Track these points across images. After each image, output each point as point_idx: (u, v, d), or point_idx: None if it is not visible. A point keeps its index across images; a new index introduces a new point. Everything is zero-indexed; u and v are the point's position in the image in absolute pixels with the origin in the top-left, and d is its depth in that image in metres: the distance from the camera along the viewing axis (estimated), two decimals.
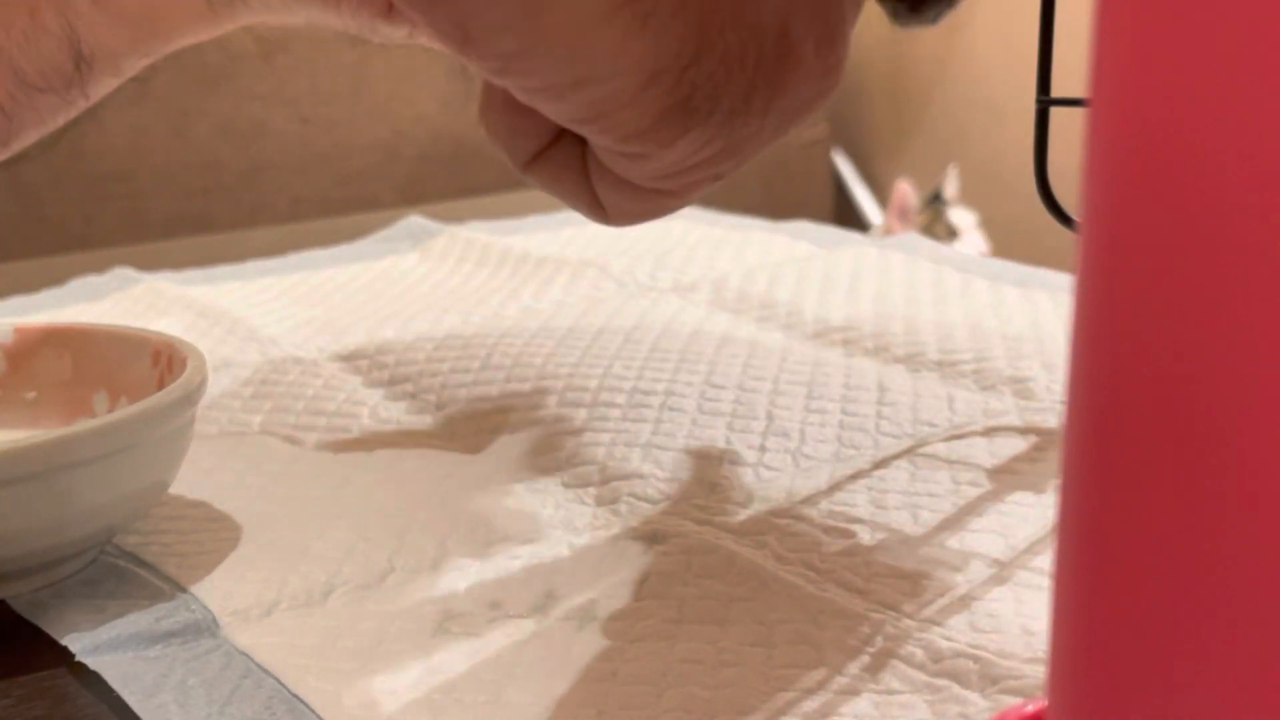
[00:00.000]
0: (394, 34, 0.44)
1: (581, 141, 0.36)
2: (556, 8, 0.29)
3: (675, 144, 0.32)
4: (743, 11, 0.31)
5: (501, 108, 0.35)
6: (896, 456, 0.49)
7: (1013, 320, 0.64)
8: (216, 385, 0.59)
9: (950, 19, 0.46)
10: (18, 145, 0.43)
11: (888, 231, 1.77)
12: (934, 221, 1.80)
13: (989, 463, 0.49)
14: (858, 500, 0.46)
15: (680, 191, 0.35)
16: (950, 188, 1.82)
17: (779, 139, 0.34)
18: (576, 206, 0.37)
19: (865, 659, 0.37)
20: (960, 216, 1.83)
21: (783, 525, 0.44)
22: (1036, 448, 0.50)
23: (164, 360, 0.47)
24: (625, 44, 0.30)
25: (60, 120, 0.43)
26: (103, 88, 0.43)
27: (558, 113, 0.33)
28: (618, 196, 0.36)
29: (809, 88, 0.33)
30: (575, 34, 0.29)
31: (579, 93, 0.31)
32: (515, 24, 0.29)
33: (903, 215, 1.80)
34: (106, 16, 0.42)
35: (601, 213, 0.37)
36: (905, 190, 1.81)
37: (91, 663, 0.38)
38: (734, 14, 0.31)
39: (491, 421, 0.54)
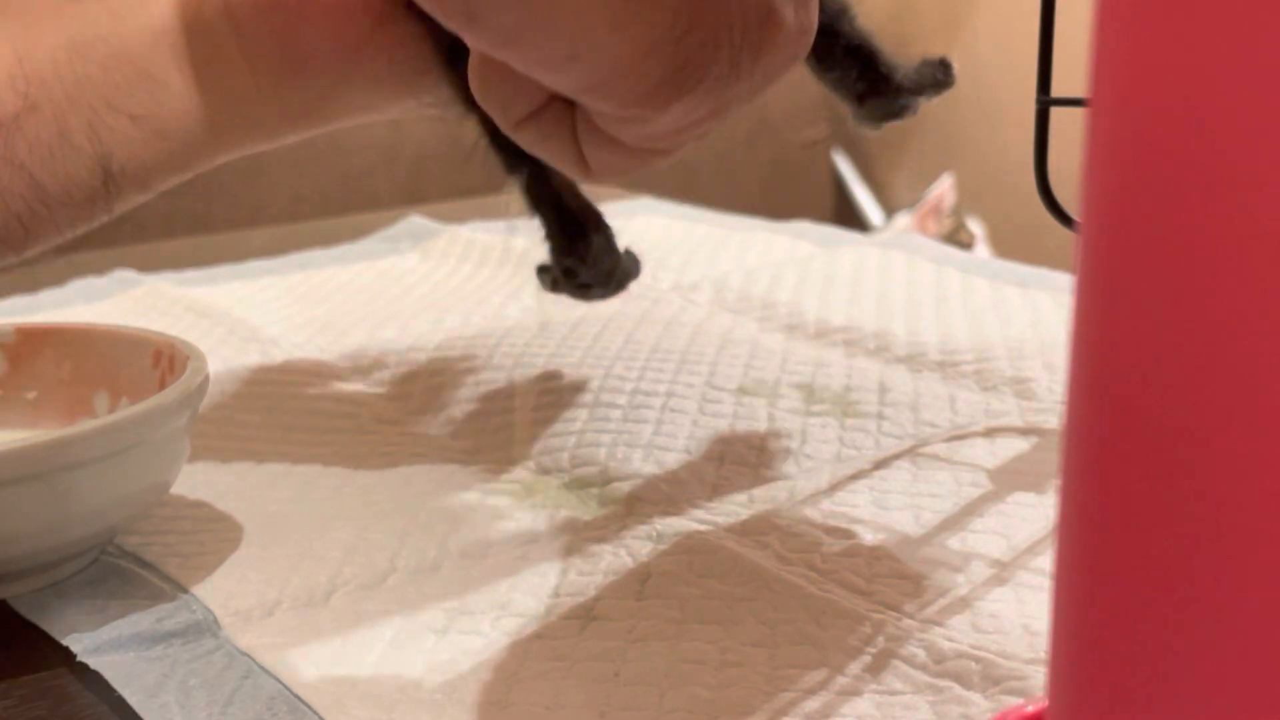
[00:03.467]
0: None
1: (571, 104, 0.37)
2: None
3: (670, 108, 0.34)
4: None
5: (497, 72, 0.36)
6: (898, 456, 0.49)
7: (1014, 321, 0.64)
8: (217, 386, 0.59)
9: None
10: (33, 251, 0.42)
11: (921, 228, 1.75)
12: (958, 229, 1.79)
13: (990, 463, 0.49)
14: (859, 501, 0.46)
15: (668, 150, 0.37)
16: (949, 197, 1.81)
17: (758, 97, 0.36)
18: (561, 164, 0.39)
19: (867, 659, 0.37)
20: (973, 226, 1.82)
21: (784, 525, 0.44)
22: (1038, 448, 0.50)
23: (165, 361, 0.47)
24: (620, 20, 0.31)
25: (79, 229, 0.42)
26: (128, 202, 0.43)
27: (555, 83, 0.34)
28: (606, 154, 0.37)
29: (788, 48, 0.35)
30: (572, 12, 0.31)
31: (576, 65, 0.32)
32: (516, 2, 0.30)
33: (937, 214, 1.78)
34: (145, 133, 0.41)
35: (585, 170, 0.38)
36: (947, 188, 1.79)
37: (93, 663, 0.38)
38: None
39: (493, 422, 0.54)
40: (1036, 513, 0.44)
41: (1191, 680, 0.20)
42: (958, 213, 1.81)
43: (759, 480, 0.48)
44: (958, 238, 1.77)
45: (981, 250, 1.80)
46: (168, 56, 0.41)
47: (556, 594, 0.41)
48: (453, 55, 0.44)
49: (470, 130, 0.49)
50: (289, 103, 0.44)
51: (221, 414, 0.56)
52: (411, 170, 1.79)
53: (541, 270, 0.53)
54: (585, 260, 0.49)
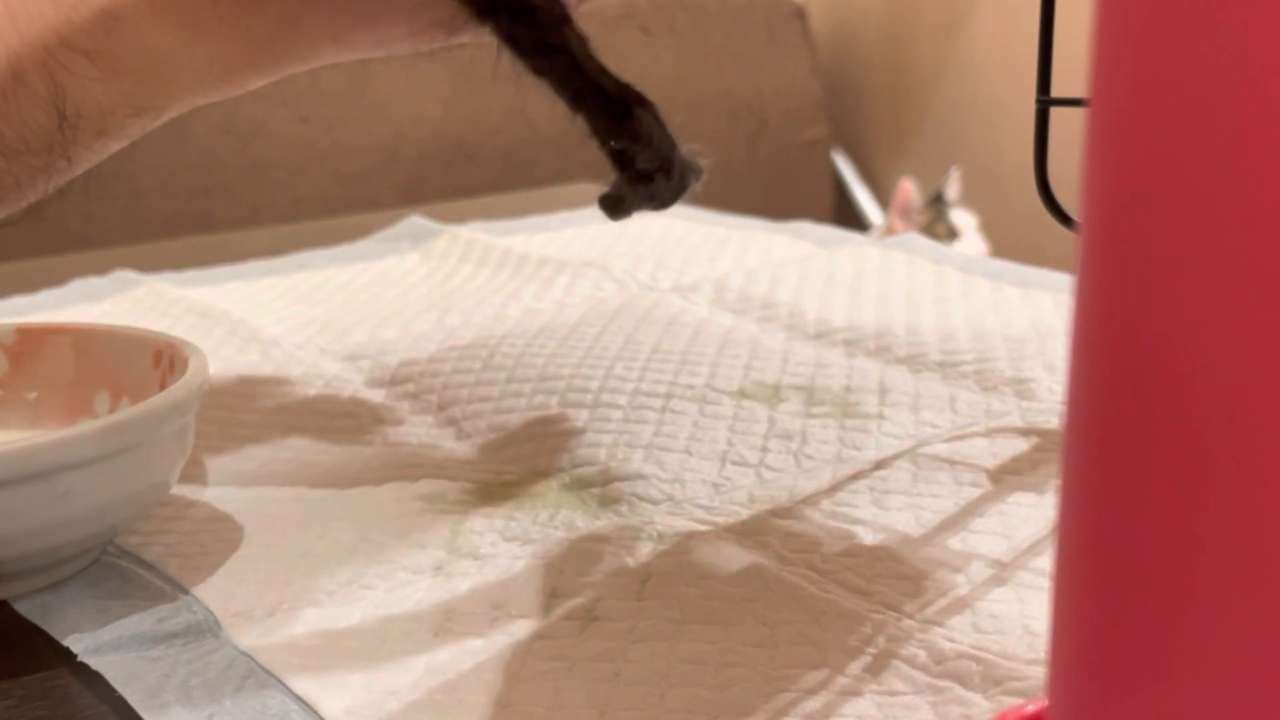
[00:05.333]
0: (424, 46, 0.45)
1: None
2: None
3: None
4: None
5: None
6: (898, 457, 0.49)
7: (1014, 321, 0.64)
8: (217, 386, 0.59)
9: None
10: None
11: (889, 230, 1.77)
12: (935, 222, 1.80)
13: (990, 463, 0.49)
14: (859, 501, 0.46)
15: None
16: (952, 189, 1.82)
17: None
18: None
19: (867, 659, 0.37)
20: (961, 218, 1.82)
21: (785, 526, 0.44)
22: (1038, 448, 0.50)
23: (166, 361, 0.47)
24: None
25: (40, 187, 0.41)
26: (86, 150, 0.42)
27: None
28: None
29: None
30: None
31: None
32: None
33: (905, 214, 1.79)
34: (100, 70, 0.40)
35: None
36: (908, 189, 1.81)
37: (93, 663, 0.38)
38: None
39: (493, 422, 0.54)
40: (1036, 513, 0.44)
41: (1191, 680, 0.20)
42: (936, 207, 1.82)
43: (759, 480, 0.48)
44: (933, 231, 1.77)
45: (975, 240, 1.81)
46: None
47: (556, 594, 0.41)
48: None
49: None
50: (250, 30, 0.42)
51: (221, 414, 0.56)
52: (411, 170, 1.79)
53: (603, 198, 0.48)
54: (637, 137, 0.45)
